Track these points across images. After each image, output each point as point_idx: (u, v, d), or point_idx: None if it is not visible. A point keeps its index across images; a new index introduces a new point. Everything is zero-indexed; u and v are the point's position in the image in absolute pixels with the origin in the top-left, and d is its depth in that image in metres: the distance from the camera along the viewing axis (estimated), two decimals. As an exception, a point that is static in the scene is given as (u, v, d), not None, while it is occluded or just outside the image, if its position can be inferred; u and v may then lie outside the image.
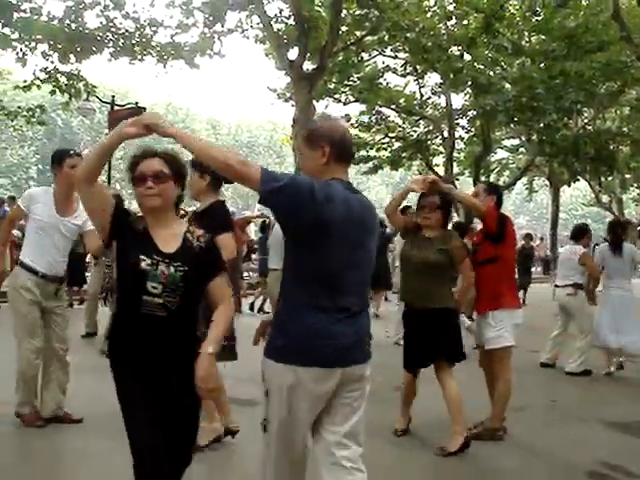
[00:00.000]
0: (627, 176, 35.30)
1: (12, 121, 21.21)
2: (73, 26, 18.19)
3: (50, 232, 5.56)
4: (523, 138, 28.62)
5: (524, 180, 33.18)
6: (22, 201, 5.79)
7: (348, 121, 26.49)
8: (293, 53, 18.50)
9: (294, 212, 2.98)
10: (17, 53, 18.50)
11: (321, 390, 3.08)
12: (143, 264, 3.10)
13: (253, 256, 20.08)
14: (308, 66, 19.01)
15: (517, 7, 22.52)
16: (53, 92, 19.50)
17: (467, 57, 22.82)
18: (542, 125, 23.06)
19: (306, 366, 3.04)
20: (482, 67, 23.17)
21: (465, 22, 21.86)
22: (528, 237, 18.96)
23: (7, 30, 17.87)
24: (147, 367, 3.14)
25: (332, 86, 24.60)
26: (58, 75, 19.19)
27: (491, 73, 22.84)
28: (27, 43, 18.34)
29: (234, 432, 5.39)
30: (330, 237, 3.04)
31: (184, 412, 3.20)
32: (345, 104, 26.24)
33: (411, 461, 5.40)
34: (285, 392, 3.06)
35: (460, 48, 22.17)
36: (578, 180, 33.44)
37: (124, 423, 3.12)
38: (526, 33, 23.04)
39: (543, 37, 21.84)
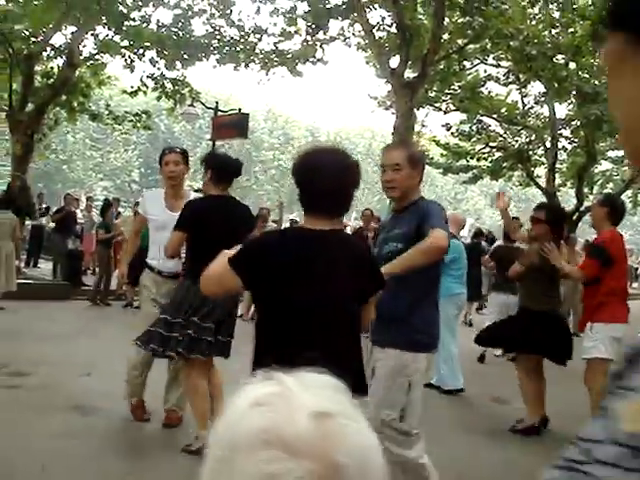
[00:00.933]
0: None
1: (119, 125, 21.88)
2: (180, 34, 18.68)
3: (164, 229, 5.69)
4: (629, 149, 27.78)
5: (629, 193, 32.17)
6: (140, 207, 6.10)
7: (448, 130, 26.24)
8: (394, 61, 18.46)
9: None
10: (125, 60, 19.12)
11: None
12: None
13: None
14: (409, 74, 18.92)
15: (626, 14, 21.90)
16: (159, 98, 20.06)
17: (572, 65, 22.29)
18: (650, 136, 22.33)
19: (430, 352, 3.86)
20: (587, 76, 22.59)
21: (571, 30, 21.39)
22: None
23: (117, 38, 18.48)
24: None
25: (433, 94, 24.39)
26: (164, 81, 19.73)
27: (597, 82, 22.23)
28: (136, 50, 18.93)
29: None
30: None
31: None
32: (445, 112, 26.00)
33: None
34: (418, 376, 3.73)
35: (565, 56, 21.69)
36: (686, 193, 32.31)
37: None
38: (635, 41, 22.37)
39: (652, 45, 21.18)
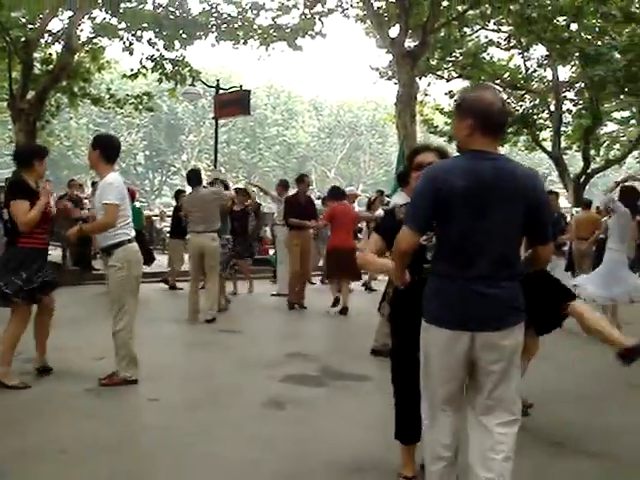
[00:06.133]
0: None
1: (121, 108, 21.86)
2: (177, 13, 18.61)
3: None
4: (634, 109, 27.57)
5: (635, 154, 31.96)
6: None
7: (451, 97, 25.94)
8: (394, 30, 18.36)
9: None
10: (124, 42, 19.07)
11: None
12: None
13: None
14: (410, 43, 18.81)
15: (626, -28, 21.61)
16: (160, 80, 20.02)
17: (574, 27, 22.05)
18: (655, 95, 22.16)
19: None
20: (589, 37, 22.38)
21: (571, -9, 21.11)
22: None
23: (114, 20, 18.41)
24: None
25: (434, 62, 24.25)
26: (164, 62, 19.67)
27: (599, 43, 22.02)
28: (133, 32, 18.87)
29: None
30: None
31: None
32: (448, 80, 25.86)
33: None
34: None
35: (566, 18, 21.43)
36: (694, 152, 32.13)
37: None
38: (636, -1, 22.07)
39: (655, 2, 20.88)
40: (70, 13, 18.19)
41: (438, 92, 38.07)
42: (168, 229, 16.95)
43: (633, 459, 4.77)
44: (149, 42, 19.28)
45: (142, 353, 6.69)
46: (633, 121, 29.48)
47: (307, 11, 19.27)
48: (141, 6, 18.36)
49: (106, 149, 6.22)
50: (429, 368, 3.31)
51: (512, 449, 3.19)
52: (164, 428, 5.18)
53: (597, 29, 22.27)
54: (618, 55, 21.25)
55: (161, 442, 4.89)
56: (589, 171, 25.76)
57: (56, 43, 19.81)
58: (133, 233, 6.33)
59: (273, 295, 13.17)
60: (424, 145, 4.43)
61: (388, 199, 18.28)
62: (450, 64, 25.04)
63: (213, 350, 8.19)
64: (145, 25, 18.58)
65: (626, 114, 29.96)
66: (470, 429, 3.31)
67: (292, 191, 13.13)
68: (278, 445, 4.86)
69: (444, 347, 3.19)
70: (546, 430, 5.21)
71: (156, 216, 27.50)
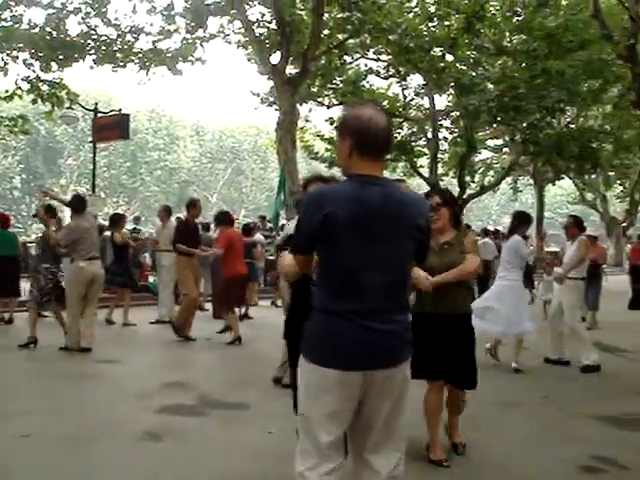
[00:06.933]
0: (610, 174, 35.69)
1: (-6, 131, 21.15)
2: (54, 34, 18.17)
3: None
4: (507, 138, 28.68)
5: (509, 180, 33.24)
6: None
7: (332, 124, 26.26)
8: (275, 57, 18.53)
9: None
10: (-2, 62, 18.47)
11: None
12: None
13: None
14: (291, 70, 19.02)
15: (498, 7, 22.58)
16: (35, 101, 19.47)
17: (449, 58, 22.81)
18: (525, 124, 23.08)
19: None
20: (464, 67, 23.17)
21: (447, 23, 21.83)
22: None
23: (-13, 39, 17.82)
24: None
25: (315, 89, 24.53)
26: (40, 84, 19.13)
27: (473, 73, 22.82)
28: (8, 52, 18.30)
29: None
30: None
31: None
32: (329, 107, 26.19)
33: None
34: None
35: (442, 49, 22.15)
36: (562, 178, 33.75)
37: None
38: (507, 33, 23.04)
39: (524, 37, 21.82)
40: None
41: (319, 119, 38.47)
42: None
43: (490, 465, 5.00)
44: (25, 63, 18.72)
45: (14, 384, 6.45)
46: (506, 149, 30.70)
47: (188, 36, 19.20)
48: (16, 25, 17.83)
49: None
50: (313, 412, 2.99)
51: None
52: (35, 467, 4.97)
53: (471, 60, 23.10)
54: (491, 86, 22.07)
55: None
56: (465, 197, 26.56)
57: None
58: None
59: (152, 323, 12.93)
60: (316, 175, 4.65)
61: (269, 224, 18.46)
62: (331, 91, 25.38)
63: (89, 381, 7.96)
64: (20, 45, 18.06)
65: (499, 142, 31.19)
66: (357, 470, 3.13)
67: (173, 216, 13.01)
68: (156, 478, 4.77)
69: (334, 389, 2.92)
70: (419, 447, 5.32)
71: (32, 242, 26.61)
